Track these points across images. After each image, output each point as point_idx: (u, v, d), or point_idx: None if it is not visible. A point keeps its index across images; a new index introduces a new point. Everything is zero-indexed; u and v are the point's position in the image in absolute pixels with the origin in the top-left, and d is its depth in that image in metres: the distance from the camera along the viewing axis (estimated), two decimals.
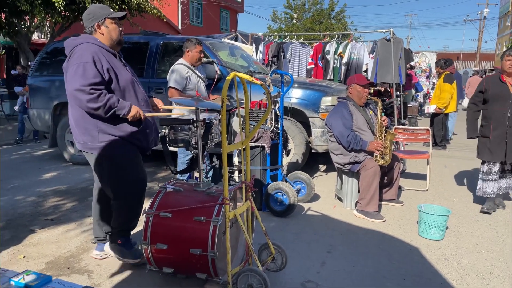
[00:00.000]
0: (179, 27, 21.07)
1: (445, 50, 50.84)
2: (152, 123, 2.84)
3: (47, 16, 8.63)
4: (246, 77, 2.36)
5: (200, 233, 2.39)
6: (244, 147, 2.61)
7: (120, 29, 2.77)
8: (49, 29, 11.41)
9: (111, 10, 2.78)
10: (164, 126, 2.94)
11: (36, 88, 6.33)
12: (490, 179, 4.08)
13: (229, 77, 2.28)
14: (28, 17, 9.38)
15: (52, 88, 6.18)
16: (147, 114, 2.71)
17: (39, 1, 7.63)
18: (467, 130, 4.27)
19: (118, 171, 2.71)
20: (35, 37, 11.79)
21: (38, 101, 6.32)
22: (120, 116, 2.57)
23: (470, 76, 19.38)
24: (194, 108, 2.73)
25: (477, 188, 4.15)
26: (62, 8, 7.94)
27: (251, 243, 2.53)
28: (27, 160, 6.59)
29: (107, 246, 2.91)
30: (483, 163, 4.18)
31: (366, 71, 7.95)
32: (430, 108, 7.33)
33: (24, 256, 3.07)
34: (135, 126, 2.68)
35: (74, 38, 2.70)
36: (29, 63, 10.04)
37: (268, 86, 3.94)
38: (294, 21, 29.67)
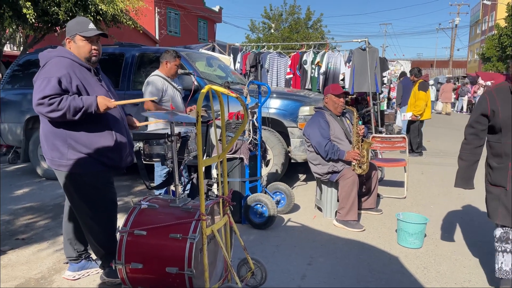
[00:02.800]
0: (157, 37, 20.92)
1: (419, 58, 52.12)
2: (127, 138, 2.76)
3: (19, 28, 8.43)
4: (222, 90, 2.32)
5: (176, 251, 2.32)
6: (221, 160, 2.56)
7: (93, 47, 2.63)
8: (21, 41, 11.14)
9: (89, 26, 2.62)
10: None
11: (7, 102, 6.13)
12: (508, 250, 2.61)
13: (203, 90, 2.23)
14: None
15: (24, 101, 6.00)
16: (118, 102, 2.60)
17: (9, 13, 7.43)
18: (457, 176, 2.88)
19: (87, 190, 2.63)
20: (7, 48, 11.49)
21: (9, 115, 6.12)
22: (93, 113, 2.47)
23: (443, 83, 19.93)
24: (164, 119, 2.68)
25: (497, 267, 2.64)
26: (33, 20, 7.76)
27: (229, 259, 2.48)
28: None
29: (102, 276, 2.82)
30: (496, 225, 2.73)
31: (343, 79, 8.03)
32: (406, 115, 7.45)
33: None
34: (107, 143, 2.59)
35: (50, 51, 2.62)
36: (0, 75, 9.77)
37: (246, 97, 3.92)
38: (272, 31, 29.89)
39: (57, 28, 9.73)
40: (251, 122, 4.02)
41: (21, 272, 3.04)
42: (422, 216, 3.60)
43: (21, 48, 11.43)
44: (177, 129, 2.72)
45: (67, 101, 2.40)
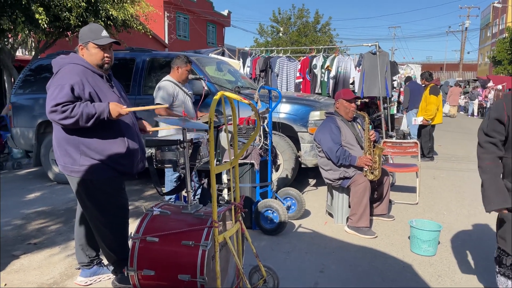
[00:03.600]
0: (166, 41, 21.05)
1: (428, 61, 51.79)
2: (138, 144, 2.77)
3: (31, 33, 8.51)
4: (234, 96, 2.31)
5: (189, 258, 2.31)
6: (233, 166, 2.55)
7: (106, 55, 2.64)
8: (33, 46, 11.26)
9: (102, 34, 2.62)
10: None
11: (19, 106, 6.20)
12: None
13: (216, 97, 2.22)
14: (11, 35, 9.24)
15: (36, 106, 6.06)
16: (130, 109, 2.61)
17: (22, 19, 7.51)
18: (484, 195, 2.33)
19: (99, 196, 2.63)
20: (19, 53, 11.61)
21: (21, 120, 6.19)
22: (105, 119, 2.48)
23: (452, 86, 19.78)
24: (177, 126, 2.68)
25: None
26: (45, 25, 7.83)
27: (241, 266, 2.46)
28: (10, 180, 6.42)
29: (114, 282, 2.82)
30: (503, 252, 2.33)
31: (352, 83, 8.00)
32: (417, 120, 7.38)
33: (5, 284, 2.94)
34: (119, 149, 2.60)
35: (63, 57, 2.63)
36: (12, 80, 9.87)
37: (256, 102, 3.91)
38: (281, 34, 29.94)
39: (68, 33, 9.81)
40: (261, 127, 4.00)
41: (33, 277, 3.05)
42: (436, 223, 3.55)
43: (33, 53, 11.56)
44: (188, 135, 2.72)
45: (79, 108, 2.41)
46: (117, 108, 2.52)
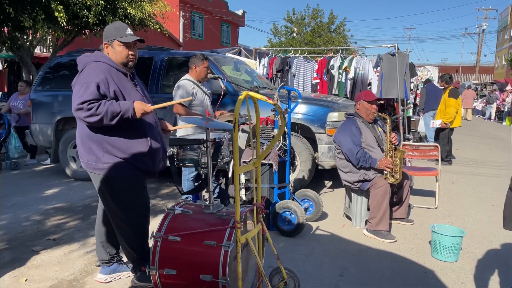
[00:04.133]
0: (181, 40, 21.15)
1: (443, 63, 51.09)
2: (160, 143, 2.76)
3: (50, 31, 8.62)
4: (259, 96, 2.29)
5: (211, 258, 2.29)
6: (255, 167, 2.53)
7: (131, 52, 2.64)
8: (51, 43, 11.41)
9: (127, 32, 2.62)
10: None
11: (38, 103, 6.27)
12: None
13: (241, 97, 2.21)
14: (30, 32, 9.37)
15: (55, 103, 6.13)
16: (154, 107, 2.61)
17: (42, 16, 7.61)
18: (505, 214, 2.18)
19: (121, 194, 2.64)
20: (37, 51, 11.79)
21: (40, 116, 6.25)
22: (130, 118, 2.48)
23: (465, 89, 19.49)
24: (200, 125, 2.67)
25: None
26: (65, 23, 7.93)
27: (262, 268, 2.44)
28: (28, 175, 6.49)
29: (133, 280, 2.83)
30: None
31: (369, 85, 7.92)
32: (436, 123, 7.27)
33: (26, 280, 2.97)
34: (142, 148, 2.60)
35: (87, 55, 2.64)
36: (31, 77, 10.01)
37: (276, 102, 3.87)
38: (294, 35, 29.86)
39: (86, 31, 9.91)
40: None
41: (53, 273, 3.07)
42: (458, 228, 3.48)
43: (51, 50, 11.72)
44: (210, 135, 2.70)
45: (105, 106, 2.41)
46: (141, 106, 2.52)
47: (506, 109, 17.77)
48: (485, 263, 3.32)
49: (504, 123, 17.99)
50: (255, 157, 3.96)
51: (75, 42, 10.55)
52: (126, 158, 2.57)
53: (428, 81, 10.43)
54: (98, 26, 9.37)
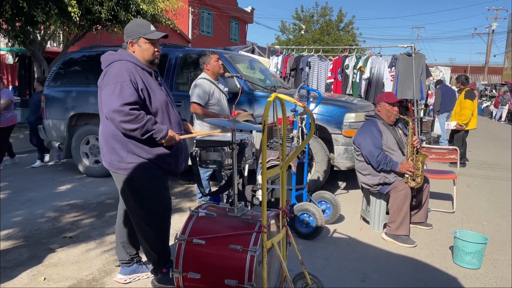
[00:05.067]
0: (189, 36, 21.10)
1: (451, 63, 50.65)
2: (183, 144, 2.73)
3: (63, 26, 8.61)
4: (287, 98, 2.24)
5: (237, 263, 2.25)
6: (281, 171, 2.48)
7: (155, 49, 2.61)
8: (63, 38, 11.41)
9: (151, 29, 2.60)
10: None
11: (52, 98, 6.25)
12: None
13: (270, 99, 2.15)
14: (43, 26, 9.36)
15: (68, 98, 6.10)
16: (182, 137, 2.61)
17: (55, 11, 7.60)
18: None
19: (144, 194, 2.60)
20: (48, 45, 11.78)
21: (53, 112, 6.23)
22: (156, 140, 2.47)
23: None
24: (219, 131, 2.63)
25: None
26: (78, 18, 7.91)
27: (288, 272, 2.39)
28: (40, 171, 6.49)
29: (153, 281, 2.80)
30: None
31: (383, 86, 7.83)
32: (451, 124, 7.17)
33: (44, 278, 2.94)
34: (166, 149, 2.57)
35: (111, 53, 2.58)
36: (42, 71, 10.01)
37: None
38: (302, 32, 29.73)
39: (98, 26, 9.89)
40: (300, 128, 3.92)
41: (71, 273, 3.05)
42: (481, 234, 3.41)
43: (61, 45, 11.72)
44: (228, 135, 2.65)
45: (144, 119, 2.38)
46: (173, 135, 2.54)
47: None
48: (509, 271, 3.25)
49: None
50: (273, 157, 3.91)
51: (86, 37, 10.54)
52: (150, 158, 2.53)
53: (440, 82, 10.32)
54: (110, 22, 9.34)
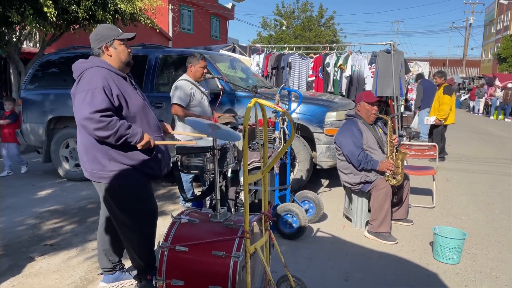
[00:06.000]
0: (170, 34, 20.89)
1: (430, 57, 51.48)
2: (164, 147, 2.71)
3: (38, 26, 8.40)
4: (268, 104, 2.24)
5: (220, 268, 2.25)
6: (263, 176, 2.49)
7: (129, 50, 2.64)
8: (39, 38, 11.14)
9: (120, 31, 2.64)
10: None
11: (29, 102, 6.12)
12: None
13: (250, 105, 2.16)
14: (18, 27, 9.13)
15: (46, 101, 5.99)
16: (158, 143, 2.58)
17: (30, 12, 7.41)
18: None
19: (129, 202, 2.57)
20: (24, 45, 11.48)
21: (31, 115, 6.11)
22: (131, 144, 2.44)
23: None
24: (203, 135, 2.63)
25: None
26: (54, 18, 7.73)
27: (271, 276, 2.41)
28: (19, 176, 6.35)
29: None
30: None
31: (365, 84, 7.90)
32: (430, 119, 7.30)
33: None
34: (147, 153, 2.54)
35: (82, 61, 2.54)
36: (18, 73, 9.78)
37: (277, 104, 3.84)
38: (284, 28, 29.77)
39: (75, 26, 9.69)
40: (282, 129, 3.94)
41: (53, 282, 3.00)
42: (459, 230, 3.50)
43: (37, 45, 11.46)
44: (211, 140, 2.64)
45: (116, 124, 2.34)
46: (149, 139, 2.48)
47: (498, 103, 17.99)
48: (487, 265, 3.34)
49: (492, 117, 18.25)
50: (255, 159, 3.92)
51: (63, 38, 10.32)
52: (133, 164, 2.50)
53: (420, 76, 10.47)
54: (87, 21, 9.17)
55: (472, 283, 3.04)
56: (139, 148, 2.48)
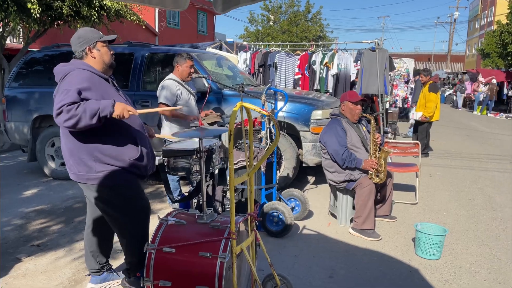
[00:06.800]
0: (156, 29, 20.71)
1: (416, 52, 51.99)
2: (149, 148, 2.73)
3: (22, 22, 8.29)
4: (253, 107, 2.28)
5: (207, 269, 2.30)
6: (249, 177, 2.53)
7: (111, 52, 2.67)
8: (22, 35, 10.97)
9: (101, 33, 2.67)
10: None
11: (13, 100, 6.05)
12: None
13: (235, 108, 2.20)
14: (1, 24, 8.98)
15: (31, 100, 5.93)
16: (140, 111, 2.56)
17: (14, 8, 7.30)
18: None
19: (119, 202, 2.60)
20: (8, 41, 11.30)
21: (16, 114, 6.04)
22: (107, 116, 2.37)
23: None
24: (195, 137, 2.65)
25: None
26: (38, 15, 7.63)
27: (257, 276, 2.46)
28: (4, 175, 6.29)
29: (124, 282, 2.79)
30: None
31: (354, 84, 7.98)
32: (416, 115, 7.42)
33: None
34: (133, 153, 2.56)
35: (64, 65, 2.55)
36: (2, 69, 9.63)
37: (263, 104, 3.88)
38: (271, 23, 29.75)
39: (60, 21, 9.57)
40: (268, 129, 3.98)
41: (41, 283, 3.02)
42: (441, 226, 3.60)
43: (21, 40, 11.28)
44: (197, 141, 2.68)
45: (83, 105, 2.32)
46: (123, 106, 2.43)
47: (481, 98, 18.32)
48: (466, 260, 3.45)
49: (475, 112, 18.57)
50: (242, 158, 3.96)
51: (48, 34, 10.19)
52: (119, 164, 2.52)
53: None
54: (72, 18, 9.07)
55: (452, 278, 3.15)
56: (114, 117, 2.39)
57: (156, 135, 2.98)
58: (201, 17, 26.80)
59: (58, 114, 2.31)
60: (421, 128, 7.51)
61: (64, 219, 4.34)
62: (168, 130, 4.31)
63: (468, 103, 20.39)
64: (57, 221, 4.28)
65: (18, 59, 8.84)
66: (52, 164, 5.95)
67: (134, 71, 5.59)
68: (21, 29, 10.48)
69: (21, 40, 11.30)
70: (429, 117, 7.31)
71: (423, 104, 7.35)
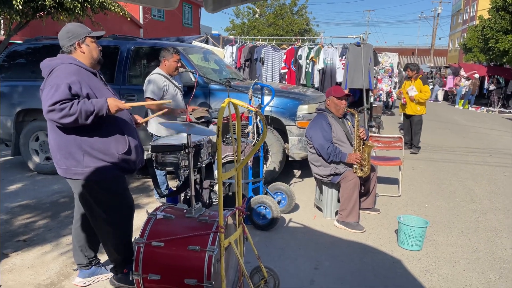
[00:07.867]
0: (141, 21, 20.48)
1: (400, 46, 52.48)
2: (137, 140, 2.75)
3: (4, 13, 8.12)
4: (241, 104, 2.32)
5: (195, 262, 2.34)
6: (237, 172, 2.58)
7: (99, 48, 2.69)
8: (4, 27, 10.73)
9: (90, 29, 2.69)
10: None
11: None
12: None
13: (223, 105, 2.23)
14: None
15: (14, 93, 5.84)
16: (129, 104, 2.59)
17: None
18: None
19: (105, 197, 2.61)
20: None
21: None
22: (104, 115, 2.44)
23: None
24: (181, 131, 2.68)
25: None
26: (20, 6, 7.49)
27: (244, 268, 2.52)
28: None
29: (112, 280, 2.81)
30: None
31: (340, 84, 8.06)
32: (411, 91, 7.39)
33: (0, 286, 2.90)
34: (121, 147, 2.58)
35: (51, 59, 2.55)
36: None
37: (250, 99, 3.92)
38: (257, 16, 29.64)
39: (42, 13, 9.40)
40: (255, 124, 4.03)
41: (28, 278, 3.02)
42: (422, 219, 3.71)
43: (2, 33, 11.02)
44: (186, 135, 2.70)
45: (78, 105, 2.36)
46: (115, 102, 2.49)
47: (463, 92, 18.68)
48: (446, 251, 3.58)
49: (457, 106, 18.93)
50: (229, 152, 4.00)
51: (30, 25, 10.00)
52: (108, 159, 2.54)
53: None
54: (55, 9, 8.91)
55: (432, 268, 3.26)
56: (113, 113, 2.48)
57: (142, 120, 2.97)
58: (186, 9, 26.57)
59: (51, 111, 2.33)
60: (417, 121, 7.57)
61: (50, 214, 4.32)
62: (154, 124, 4.32)
63: (450, 97, 20.76)
64: (43, 216, 4.26)
65: (0, 51, 8.68)
66: (36, 159, 5.89)
67: (119, 64, 5.56)
68: (1, 21, 10.26)
69: (2, 32, 11.06)
70: (423, 100, 7.37)
71: (420, 96, 7.39)
